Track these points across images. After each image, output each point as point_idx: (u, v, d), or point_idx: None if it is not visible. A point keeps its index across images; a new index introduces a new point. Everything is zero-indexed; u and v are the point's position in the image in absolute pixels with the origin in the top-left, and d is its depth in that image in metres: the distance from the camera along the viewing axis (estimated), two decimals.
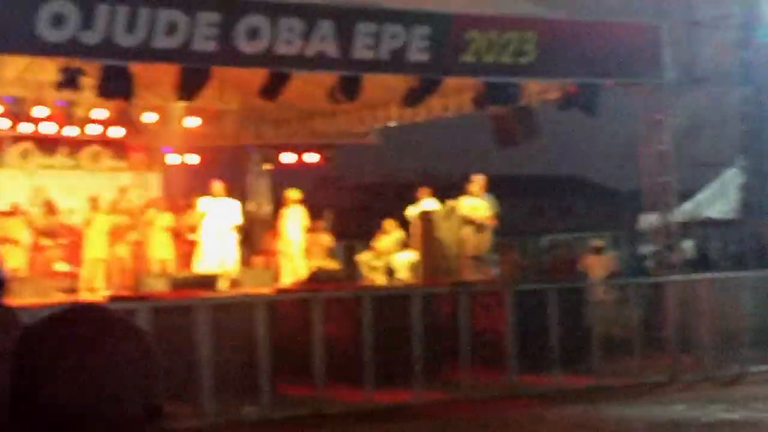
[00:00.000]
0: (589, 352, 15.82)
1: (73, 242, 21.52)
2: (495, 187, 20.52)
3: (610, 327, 18.03)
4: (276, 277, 21.16)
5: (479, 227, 19.65)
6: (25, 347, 1.77)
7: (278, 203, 24.00)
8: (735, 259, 25.41)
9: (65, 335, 1.77)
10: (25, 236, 20.79)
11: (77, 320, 1.80)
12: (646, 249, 22.70)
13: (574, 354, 15.84)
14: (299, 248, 21.68)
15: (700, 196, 28.31)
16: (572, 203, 62.31)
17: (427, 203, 21.21)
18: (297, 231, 21.64)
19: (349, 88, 17.65)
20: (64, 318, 1.81)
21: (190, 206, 21.85)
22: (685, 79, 20.00)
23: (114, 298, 16.34)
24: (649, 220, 21.19)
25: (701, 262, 20.67)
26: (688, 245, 21.94)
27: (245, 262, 21.96)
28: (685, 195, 24.94)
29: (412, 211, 21.09)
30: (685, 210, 24.17)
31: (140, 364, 1.78)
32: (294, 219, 21.65)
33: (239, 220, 20.54)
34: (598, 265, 21.07)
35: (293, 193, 21.83)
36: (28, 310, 11.15)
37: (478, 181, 20.08)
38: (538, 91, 20.35)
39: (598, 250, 21.80)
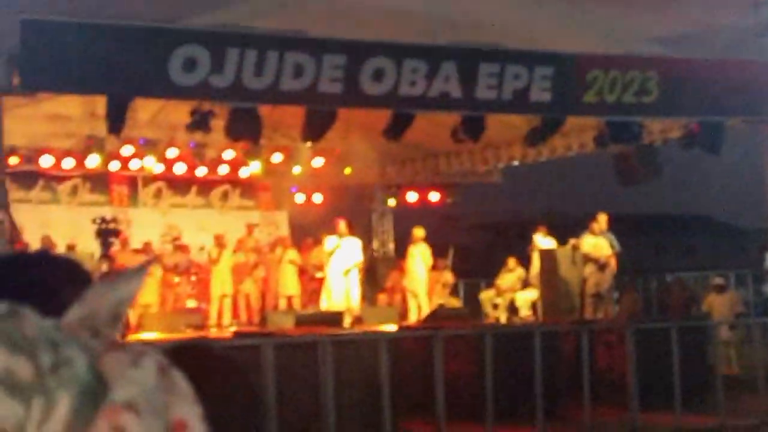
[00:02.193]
0: (713, 392, 15.71)
1: (201, 279, 22.09)
2: (618, 226, 20.51)
3: (733, 366, 17.91)
4: (401, 315, 21.40)
5: (601, 265, 19.69)
6: None
7: (400, 241, 24.27)
8: None
9: None
10: (156, 273, 21.39)
11: (179, 358, 1.75)
12: None
13: (697, 393, 15.75)
14: (424, 286, 21.91)
15: None
16: (697, 241, 61.51)
17: (544, 241, 21.32)
18: (422, 269, 21.88)
19: (473, 128, 17.86)
20: (167, 354, 1.73)
21: (316, 244, 22.26)
22: None
23: (239, 334, 16.70)
24: None
25: None
26: None
27: (369, 299, 22.27)
28: None
29: (535, 249, 21.24)
30: None
31: (240, 402, 1.81)
32: (419, 257, 21.88)
33: (360, 257, 20.79)
34: (720, 304, 20.89)
35: (419, 231, 22.04)
36: (157, 345, 11.51)
37: (600, 219, 20.12)
38: (660, 129, 20.35)
39: (720, 289, 21.59)
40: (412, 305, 21.69)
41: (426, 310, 20.79)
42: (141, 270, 1.55)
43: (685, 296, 22.58)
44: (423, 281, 21.84)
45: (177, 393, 1.47)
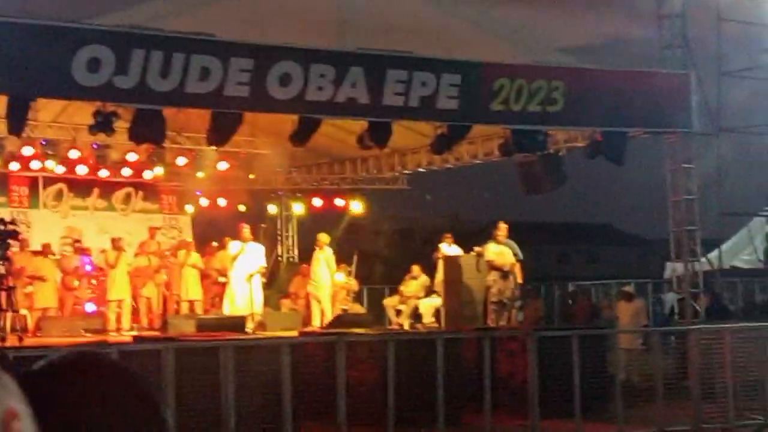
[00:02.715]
0: (612, 400, 15.83)
1: (101, 283, 21.79)
2: (522, 234, 20.62)
3: (633, 374, 18.07)
4: (305, 320, 21.31)
5: (504, 273, 19.77)
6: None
7: (305, 247, 24.20)
8: (762, 309, 25.38)
9: (58, 382, 1.72)
10: (55, 276, 21.07)
11: (72, 367, 1.78)
12: (671, 297, 22.66)
13: (597, 401, 15.88)
14: (328, 291, 21.82)
15: (727, 245, 28.27)
16: (599, 250, 62.28)
17: (450, 249, 21.37)
18: (326, 274, 21.79)
19: (379, 135, 17.84)
20: (58, 365, 1.78)
21: (220, 248, 22.09)
22: (712, 128, 20.05)
23: (140, 339, 16.50)
24: (675, 268, 21.24)
25: (718, 312, 20.51)
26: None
27: (273, 304, 22.14)
28: (712, 244, 24.96)
29: (440, 256, 21.28)
30: (711, 259, 24.19)
31: (134, 411, 1.76)
32: (323, 262, 21.80)
33: (264, 263, 20.65)
34: (626, 312, 21.09)
35: (323, 237, 21.98)
36: (55, 350, 11.33)
37: (501, 227, 20.21)
38: (565, 139, 20.52)
39: (628, 297, 21.80)
40: (315, 311, 21.61)
41: (329, 316, 20.73)
42: None
43: (588, 305, 22.77)
44: (327, 287, 21.76)
45: (7, 388, 1.56)
